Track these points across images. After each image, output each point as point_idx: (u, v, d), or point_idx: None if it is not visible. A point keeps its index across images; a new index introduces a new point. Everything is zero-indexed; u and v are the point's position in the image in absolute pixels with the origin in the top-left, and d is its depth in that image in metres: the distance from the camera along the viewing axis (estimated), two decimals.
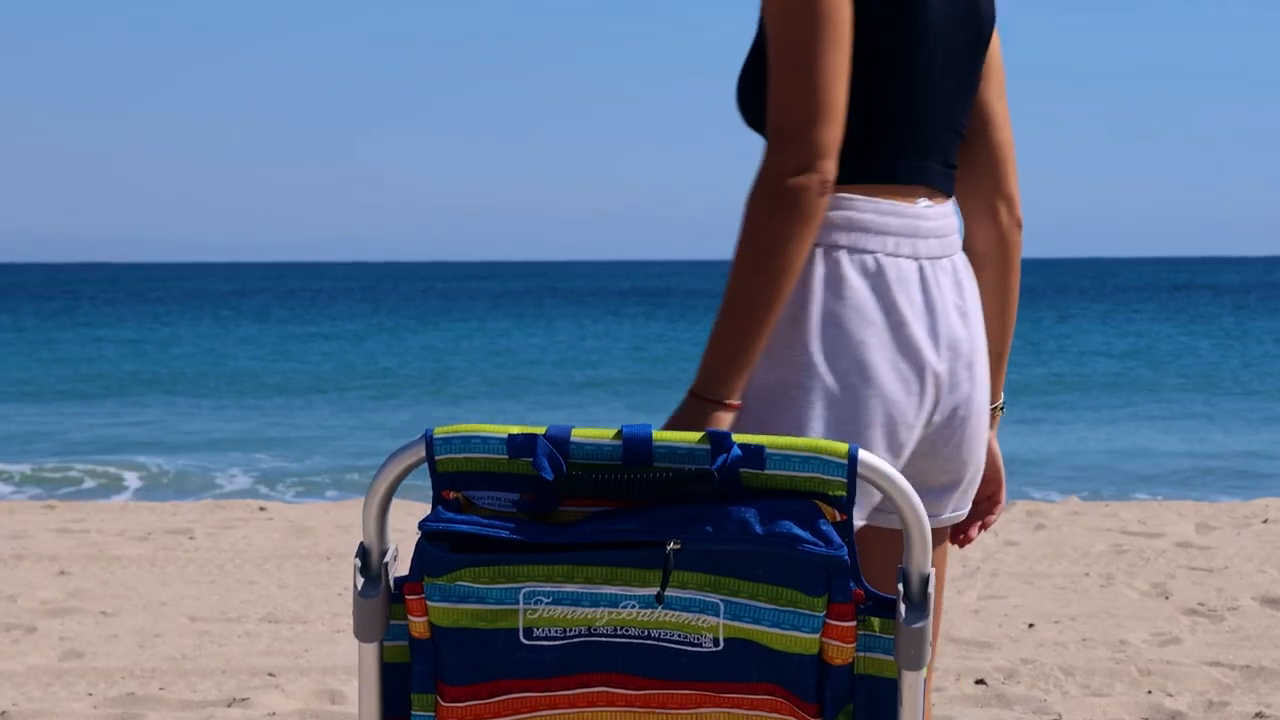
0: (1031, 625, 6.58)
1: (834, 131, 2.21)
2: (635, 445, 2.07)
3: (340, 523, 9.36)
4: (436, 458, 2.10)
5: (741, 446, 2.06)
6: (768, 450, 2.06)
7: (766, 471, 2.07)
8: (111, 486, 14.56)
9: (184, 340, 40.09)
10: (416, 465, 2.12)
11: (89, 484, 14.63)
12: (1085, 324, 44.99)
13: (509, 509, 2.10)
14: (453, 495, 2.11)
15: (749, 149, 2.37)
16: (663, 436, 2.09)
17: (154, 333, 43.99)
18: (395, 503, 10.73)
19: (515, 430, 2.09)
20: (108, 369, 30.30)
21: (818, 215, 2.21)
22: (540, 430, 2.09)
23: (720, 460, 2.05)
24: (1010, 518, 9.55)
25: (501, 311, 58.20)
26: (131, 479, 15.02)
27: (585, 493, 2.07)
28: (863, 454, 2.06)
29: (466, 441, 2.10)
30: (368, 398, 24.60)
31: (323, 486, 14.54)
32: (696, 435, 2.08)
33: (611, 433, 2.09)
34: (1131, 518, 9.53)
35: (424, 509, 9.86)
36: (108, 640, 6.35)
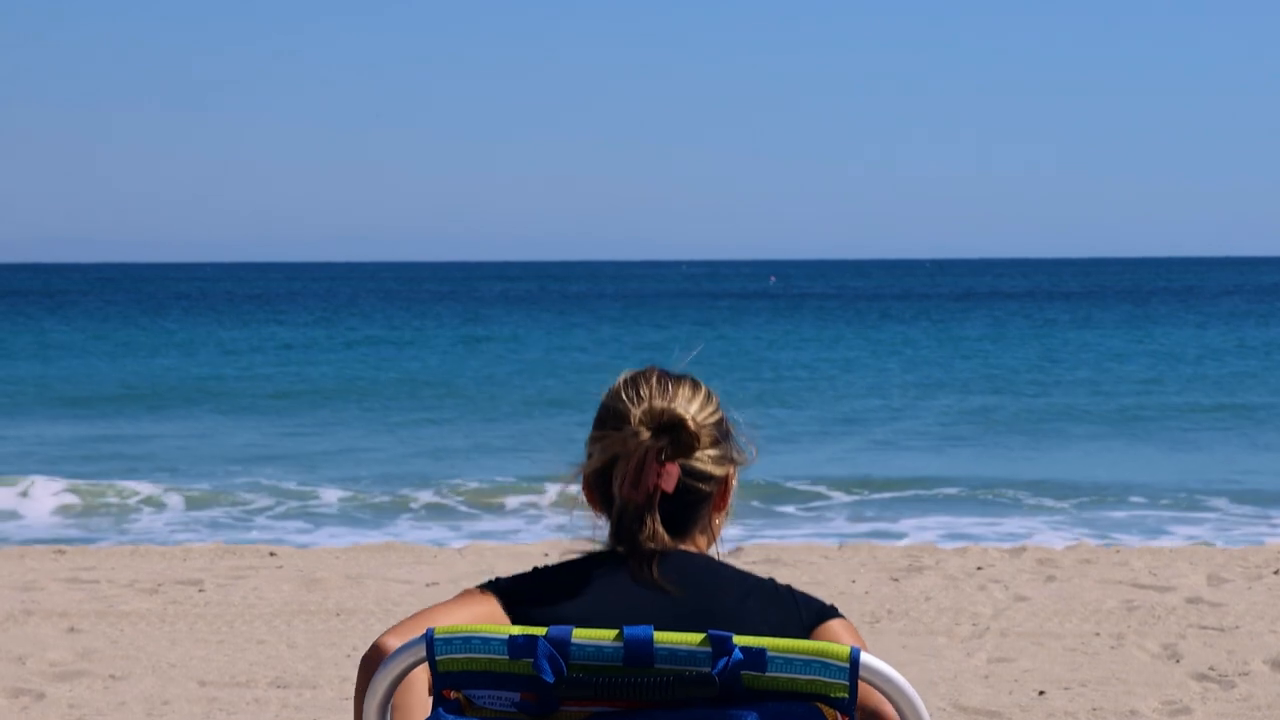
0: (1042, 692, 6.56)
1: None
2: (637, 647, 2.07)
3: (350, 573, 9.35)
4: (437, 658, 2.10)
5: (743, 649, 2.05)
6: (769, 653, 2.05)
7: (768, 674, 2.06)
8: (128, 507, 14.85)
9: (207, 346, 40.10)
10: (417, 665, 2.12)
11: (105, 503, 14.87)
12: None
13: (509, 709, 2.09)
14: (453, 695, 2.10)
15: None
16: (664, 639, 2.08)
17: (172, 336, 44.11)
18: (402, 546, 10.51)
19: (516, 631, 2.09)
20: (133, 378, 30.27)
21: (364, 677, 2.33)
22: (541, 631, 2.08)
23: (721, 664, 2.04)
24: (1020, 567, 9.53)
25: (520, 313, 58.23)
26: (144, 490, 15.28)
27: (586, 695, 2.06)
28: (864, 656, 2.06)
29: (467, 642, 2.09)
30: (391, 407, 24.58)
31: (333, 509, 14.66)
32: (698, 637, 2.08)
33: (612, 634, 2.08)
34: (1143, 567, 9.49)
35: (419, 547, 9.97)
36: (116, 708, 6.35)
